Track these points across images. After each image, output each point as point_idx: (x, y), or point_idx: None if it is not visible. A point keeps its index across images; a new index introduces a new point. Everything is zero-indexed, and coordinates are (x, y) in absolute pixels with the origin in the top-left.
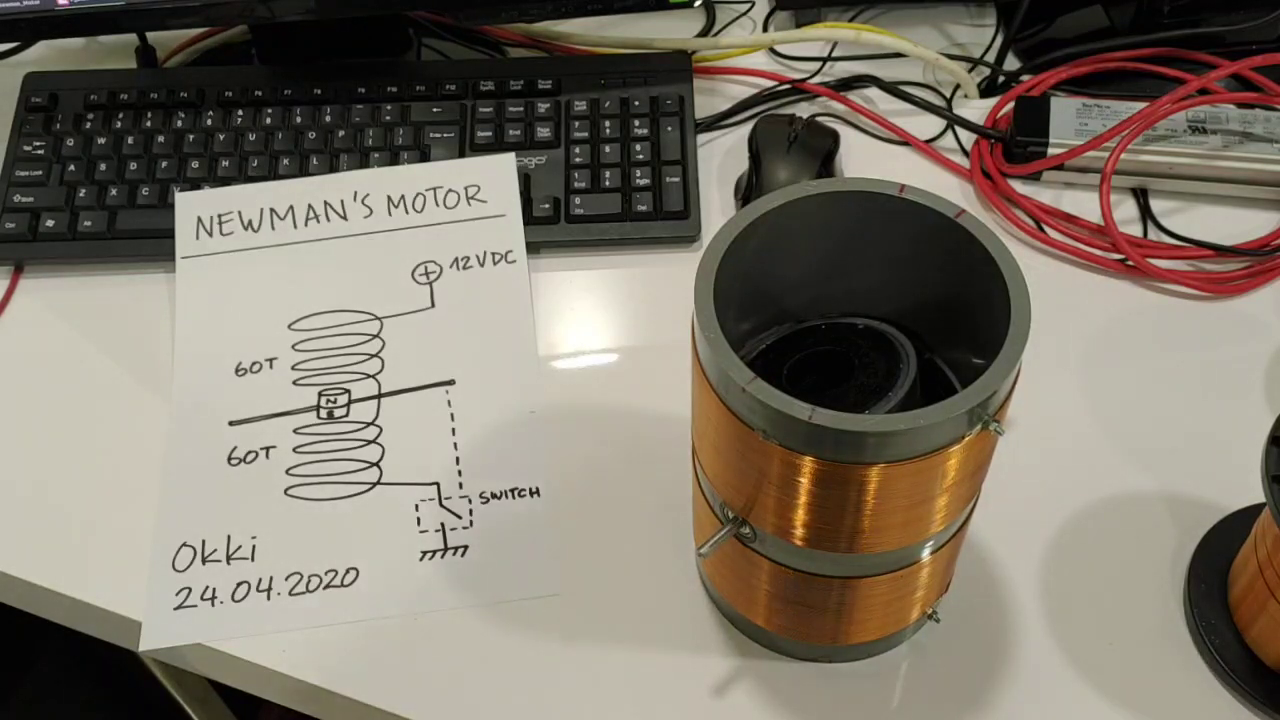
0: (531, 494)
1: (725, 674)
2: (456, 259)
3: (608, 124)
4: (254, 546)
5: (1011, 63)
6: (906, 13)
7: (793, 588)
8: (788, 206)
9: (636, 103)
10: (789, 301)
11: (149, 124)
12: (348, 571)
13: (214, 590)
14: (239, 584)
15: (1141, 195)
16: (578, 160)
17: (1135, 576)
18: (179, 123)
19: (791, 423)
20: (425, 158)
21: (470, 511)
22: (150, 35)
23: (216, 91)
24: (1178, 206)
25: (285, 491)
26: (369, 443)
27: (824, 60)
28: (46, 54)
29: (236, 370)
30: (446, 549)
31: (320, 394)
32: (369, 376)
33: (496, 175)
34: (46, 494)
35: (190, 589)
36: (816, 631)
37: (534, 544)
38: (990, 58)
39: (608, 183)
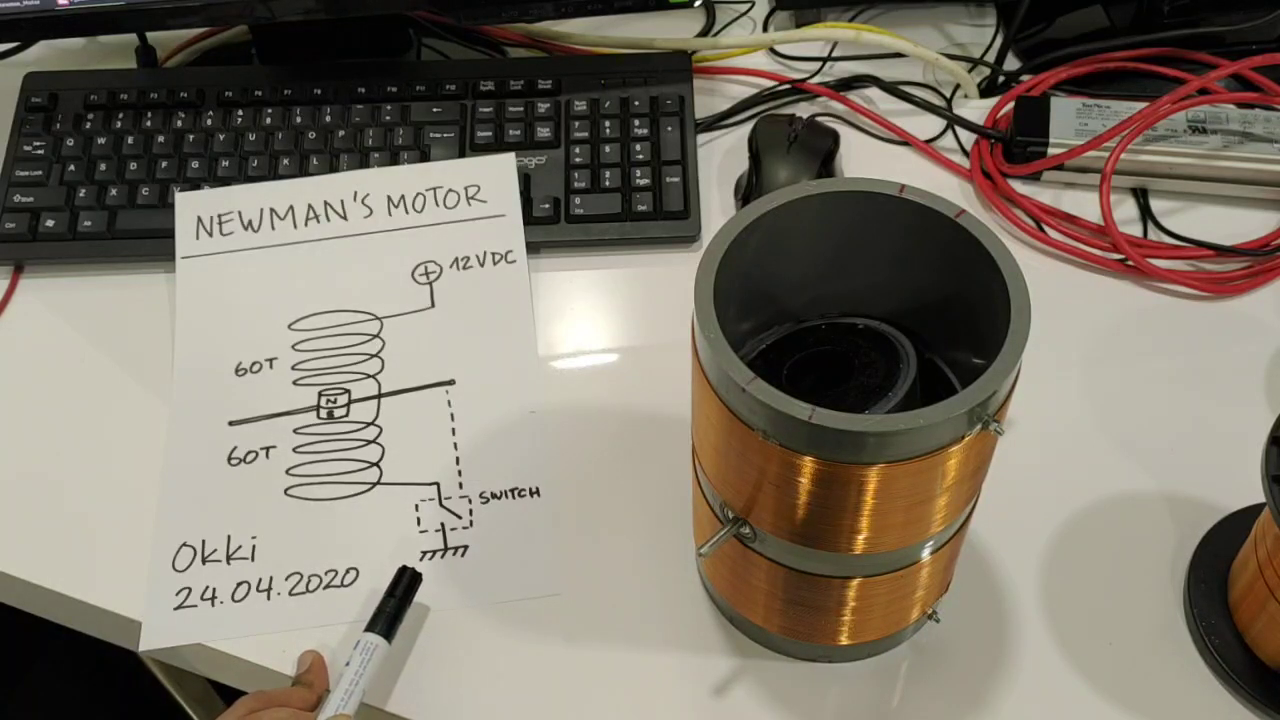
0: (531, 494)
1: (725, 674)
2: (456, 259)
3: (608, 124)
4: (254, 546)
5: (1011, 63)
6: (906, 13)
7: (793, 588)
8: (788, 206)
9: (636, 103)
10: (789, 301)
11: (149, 124)
12: (348, 571)
13: (214, 590)
14: (239, 584)
15: (1141, 195)
16: (578, 160)
17: (1135, 576)
18: (179, 123)
19: (791, 423)
20: (425, 158)
21: (470, 511)
22: (150, 35)
23: (216, 91)
24: (1178, 206)
25: (285, 491)
26: (369, 443)
27: (824, 60)
28: (46, 54)
29: (236, 370)
30: (446, 549)
31: (320, 394)
32: (369, 376)
33: (496, 175)
34: (46, 494)
35: (190, 589)
36: (816, 631)
37: (534, 544)
38: (990, 58)
39: (608, 183)
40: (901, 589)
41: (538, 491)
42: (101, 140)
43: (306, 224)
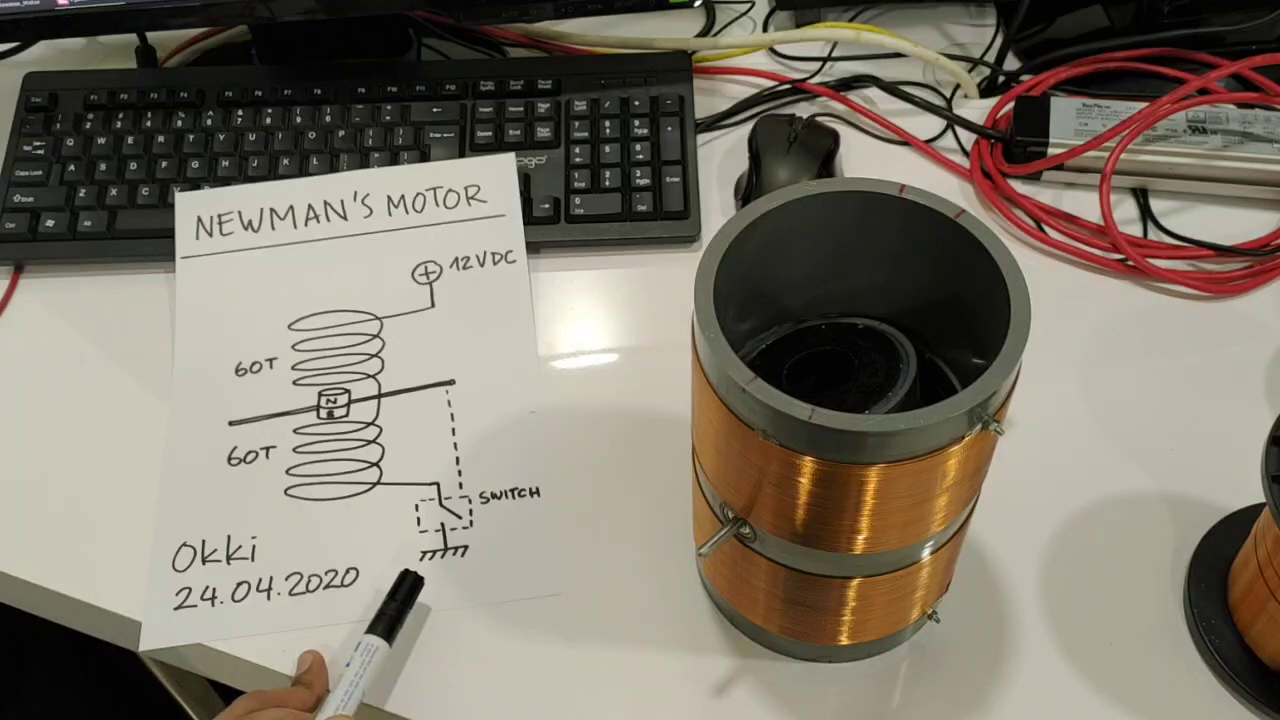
0: (531, 494)
1: (725, 674)
2: (456, 259)
3: (608, 124)
4: (254, 546)
5: (1011, 63)
6: (906, 13)
7: (793, 588)
8: (788, 206)
9: (636, 103)
10: (789, 301)
11: (149, 124)
12: (348, 571)
13: (214, 590)
14: (239, 584)
15: (1141, 195)
16: (578, 160)
17: (1135, 576)
18: (179, 123)
19: (791, 423)
20: (425, 158)
21: (470, 511)
22: (150, 35)
23: (216, 91)
24: (1178, 206)
25: (285, 491)
26: (369, 443)
27: (824, 60)
28: (46, 54)
29: (236, 370)
30: (446, 549)
31: (320, 394)
32: (369, 376)
33: (496, 175)
34: (47, 494)
35: (190, 589)
36: (816, 631)
37: (534, 544)
38: (990, 58)
39: (608, 183)
40: (901, 589)
41: (538, 491)
42: (101, 140)
43: (306, 224)
